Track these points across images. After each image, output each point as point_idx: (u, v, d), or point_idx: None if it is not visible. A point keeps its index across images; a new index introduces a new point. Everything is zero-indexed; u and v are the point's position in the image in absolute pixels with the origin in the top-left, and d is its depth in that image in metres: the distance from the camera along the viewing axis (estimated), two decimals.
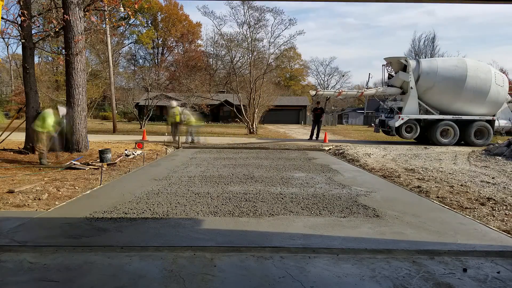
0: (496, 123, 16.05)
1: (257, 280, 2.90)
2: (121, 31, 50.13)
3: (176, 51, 65.66)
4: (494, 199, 5.80)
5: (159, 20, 63.58)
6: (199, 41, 66.70)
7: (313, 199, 5.67)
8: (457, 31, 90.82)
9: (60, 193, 5.75)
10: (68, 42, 10.26)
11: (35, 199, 5.31)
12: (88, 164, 8.47)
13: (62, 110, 9.26)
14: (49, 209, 4.88)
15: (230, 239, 3.83)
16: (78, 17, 10.18)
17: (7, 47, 41.08)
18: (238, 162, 9.89)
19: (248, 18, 25.54)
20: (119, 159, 9.52)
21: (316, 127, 17.94)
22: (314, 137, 17.79)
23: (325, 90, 32.56)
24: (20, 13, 9.91)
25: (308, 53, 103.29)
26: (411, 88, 15.69)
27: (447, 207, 5.38)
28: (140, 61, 65.85)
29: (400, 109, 16.07)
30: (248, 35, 25.89)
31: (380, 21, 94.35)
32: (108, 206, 5.01)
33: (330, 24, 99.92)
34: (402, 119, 15.62)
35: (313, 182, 7.06)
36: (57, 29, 10.79)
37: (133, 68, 61.50)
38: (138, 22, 58.63)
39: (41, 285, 2.78)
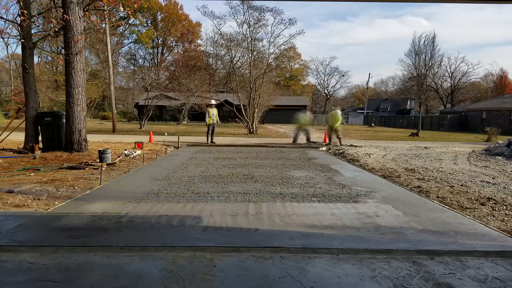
0: None
1: (257, 280, 2.90)
2: (121, 30, 50.14)
3: (176, 50, 65.73)
4: (494, 199, 5.79)
5: (159, 19, 63.58)
6: (199, 41, 66.78)
7: (313, 199, 5.66)
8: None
9: (60, 193, 5.74)
10: (67, 41, 10.25)
11: (34, 199, 5.30)
12: (88, 164, 8.46)
13: None
14: (49, 209, 4.87)
15: (230, 239, 3.82)
16: (78, 16, 10.17)
17: (7, 46, 41.11)
18: (238, 162, 9.88)
19: (248, 17, 25.56)
20: (118, 159, 9.52)
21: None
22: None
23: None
24: (19, 12, 9.90)
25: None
26: None
27: (447, 207, 5.37)
28: (140, 60, 65.92)
29: None
30: (248, 35, 25.89)
31: (332, 40, 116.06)
32: (108, 206, 5.00)
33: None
34: None
35: (313, 182, 7.05)
36: (56, 29, 10.78)
37: (132, 67, 61.54)
38: (137, 22, 58.68)
39: (40, 285, 2.77)
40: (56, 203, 5.16)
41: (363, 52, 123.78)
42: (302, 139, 16.08)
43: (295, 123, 17.09)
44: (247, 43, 26.24)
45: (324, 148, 14.25)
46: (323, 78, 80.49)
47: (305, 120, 16.36)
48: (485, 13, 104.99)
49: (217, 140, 16.60)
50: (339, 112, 15.62)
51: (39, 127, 10.81)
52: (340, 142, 14.98)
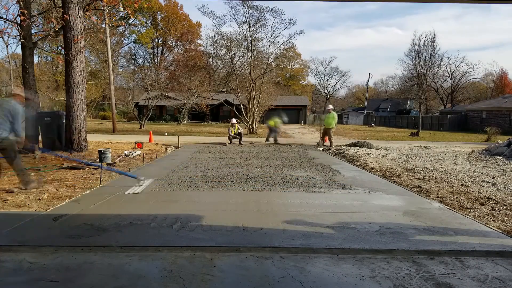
0: None
1: (256, 280, 2.90)
2: (121, 30, 50.18)
3: (176, 50, 65.71)
4: (494, 199, 5.79)
5: (159, 19, 63.54)
6: (199, 41, 66.77)
7: (313, 199, 5.66)
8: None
9: (60, 193, 5.74)
10: (67, 41, 10.25)
11: (34, 199, 5.30)
12: (88, 164, 8.45)
13: None
14: (49, 209, 4.87)
15: (230, 239, 3.82)
16: (78, 16, 10.17)
17: (7, 46, 40.95)
18: (238, 162, 9.88)
19: (248, 17, 25.59)
20: (118, 159, 9.52)
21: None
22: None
23: None
24: (19, 12, 9.91)
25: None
26: None
27: (447, 207, 5.37)
28: (140, 60, 65.94)
29: None
30: (248, 35, 25.90)
31: (314, 47, 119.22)
32: (108, 206, 5.00)
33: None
34: None
35: (313, 182, 7.05)
36: (56, 29, 10.79)
37: (132, 67, 61.61)
38: (137, 22, 58.62)
39: (40, 285, 2.77)
40: (56, 203, 5.16)
41: (347, 57, 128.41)
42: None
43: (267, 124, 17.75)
44: (247, 43, 26.26)
45: (321, 148, 14.25)
46: (323, 78, 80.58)
47: (274, 121, 16.95)
48: (446, 23, 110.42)
49: (217, 139, 16.61)
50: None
51: (39, 127, 10.81)
52: (331, 144, 14.64)
